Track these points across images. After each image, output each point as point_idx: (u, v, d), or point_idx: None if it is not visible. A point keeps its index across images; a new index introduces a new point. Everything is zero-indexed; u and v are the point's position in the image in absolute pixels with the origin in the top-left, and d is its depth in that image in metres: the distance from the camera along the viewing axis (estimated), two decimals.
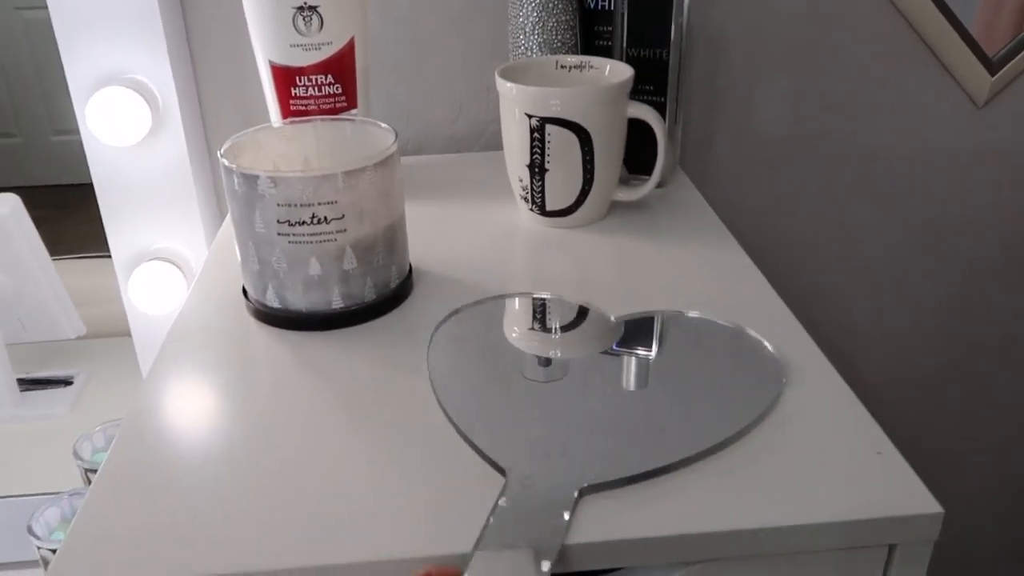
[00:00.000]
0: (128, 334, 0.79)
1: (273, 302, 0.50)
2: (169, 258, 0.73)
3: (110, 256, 0.75)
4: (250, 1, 0.62)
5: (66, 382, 0.99)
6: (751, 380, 0.44)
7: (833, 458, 0.39)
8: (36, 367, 0.99)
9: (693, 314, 0.49)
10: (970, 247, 0.90)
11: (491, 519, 0.34)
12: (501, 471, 0.37)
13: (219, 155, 0.49)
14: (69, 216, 0.93)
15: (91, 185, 0.72)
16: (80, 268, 0.92)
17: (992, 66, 0.81)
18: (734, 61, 0.79)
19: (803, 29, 0.78)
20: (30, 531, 0.73)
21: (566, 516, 0.35)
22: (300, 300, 0.49)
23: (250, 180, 0.46)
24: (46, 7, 0.66)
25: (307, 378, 0.46)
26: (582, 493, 0.36)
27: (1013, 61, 0.81)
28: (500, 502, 0.35)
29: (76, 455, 0.78)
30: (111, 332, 0.88)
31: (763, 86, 0.80)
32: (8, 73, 0.88)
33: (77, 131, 0.70)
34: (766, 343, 0.46)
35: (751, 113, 0.81)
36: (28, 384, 0.97)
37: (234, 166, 0.47)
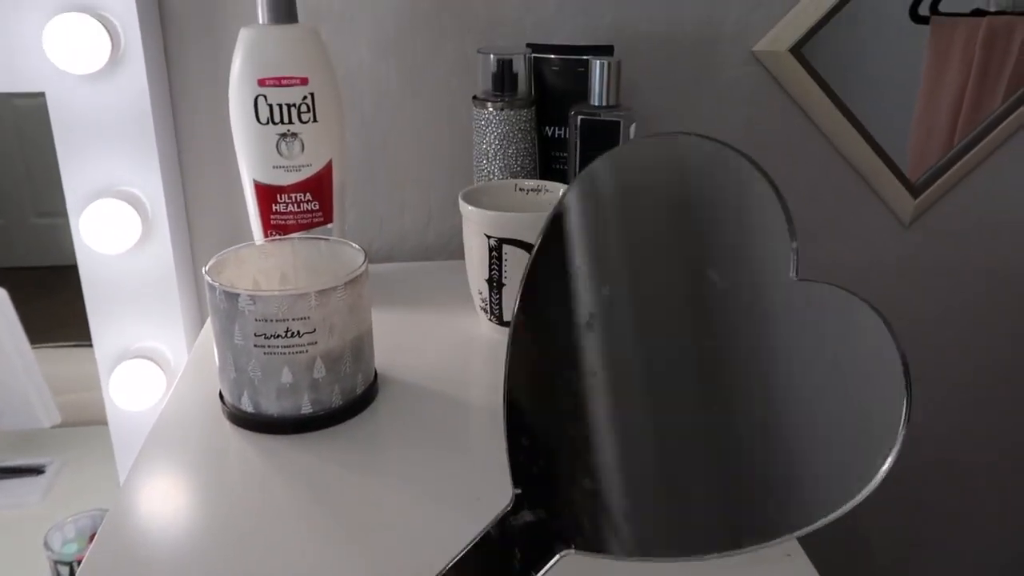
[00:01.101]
0: (101, 423, 0.82)
1: (248, 407, 0.54)
2: (150, 356, 0.78)
3: (86, 345, 0.79)
4: (238, 126, 0.68)
5: (38, 471, 1.00)
6: None
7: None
8: (7, 455, 1.01)
9: None
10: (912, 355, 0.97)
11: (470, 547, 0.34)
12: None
13: (204, 272, 0.54)
14: (47, 297, 0.95)
15: (71, 267, 0.75)
16: (56, 356, 0.95)
17: (915, 190, 0.89)
18: None
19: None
20: None
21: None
22: (272, 405, 0.54)
23: (231, 297, 0.51)
24: (35, 96, 0.71)
25: (278, 479, 0.50)
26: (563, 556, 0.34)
27: (934, 186, 0.89)
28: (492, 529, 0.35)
29: (46, 546, 0.79)
30: (84, 420, 0.91)
31: None
32: (28, 157, 0.90)
33: (59, 213, 0.73)
34: None
35: None
36: (0, 472, 0.99)
37: (217, 284, 0.52)
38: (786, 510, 0.32)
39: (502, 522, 0.35)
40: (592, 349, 0.37)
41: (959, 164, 0.89)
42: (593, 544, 0.34)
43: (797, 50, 0.82)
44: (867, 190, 0.89)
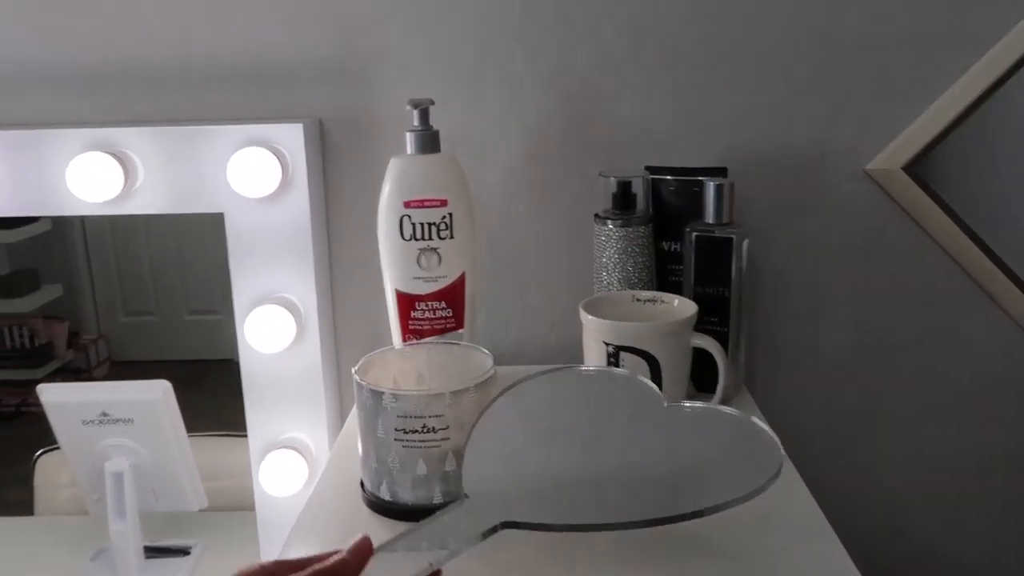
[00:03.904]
0: (243, 508, 0.90)
1: (386, 495, 0.60)
2: (295, 447, 0.85)
3: (233, 435, 0.87)
4: (384, 241, 0.77)
5: (184, 552, 1.08)
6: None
7: None
8: (158, 535, 1.09)
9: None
10: None
11: (424, 524, 0.48)
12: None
13: (353, 372, 0.61)
14: (192, 389, 1.04)
15: (215, 360, 0.84)
16: (204, 444, 1.03)
17: None
18: (799, 293, 0.89)
19: (864, 269, 0.88)
20: None
21: (476, 537, 0.48)
22: (408, 495, 0.59)
23: (377, 395, 0.58)
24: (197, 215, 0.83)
25: None
26: (505, 526, 0.49)
27: None
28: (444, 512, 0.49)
29: None
30: (228, 506, 0.99)
31: (825, 315, 0.89)
32: (154, 262, 1.01)
33: (210, 311, 0.83)
34: None
35: (814, 339, 0.90)
36: (151, 552, 1.07)
37: (365, 383, 0.59)
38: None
39: (451, 508, 0.51)
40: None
41: None
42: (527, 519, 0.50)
43: (911, 168, 0.84)
44: (990, 302, 0.88)
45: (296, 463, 0.85)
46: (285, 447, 0.85)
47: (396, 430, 0.58)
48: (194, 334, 1.01)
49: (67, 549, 1.04)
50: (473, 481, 0.53)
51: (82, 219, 0.93)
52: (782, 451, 0.52)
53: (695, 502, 0.50)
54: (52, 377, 1.02)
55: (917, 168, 0.85)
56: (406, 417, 0.58)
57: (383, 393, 0.58)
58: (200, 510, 1.02)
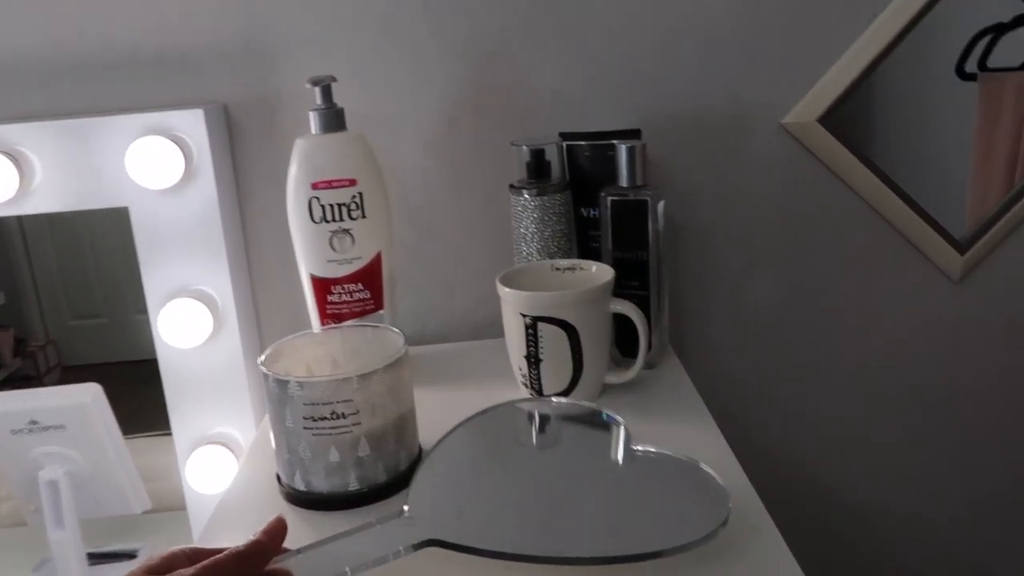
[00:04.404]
0: (184, 508, 0.88)
1: (300, 486, 0.59)
2: (223, 442, 0.83)
3: (166, 434, 0.85)
4: (295, 225, 0.75)
5: (130, 556, 1.06)
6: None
7: None
8: (102, 541, 1.07)
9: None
10: (959, 414, 0.95)
11: (354, 534, 0.48)
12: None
13: (258, 362, 0.59)
14: (131, 390, 1.03)
15: (140, 362, 0.82)
16: (141, 445, 1.01)
17: (961, 247, 0.89)
18: (723, 252, 0.89)
19: (787, 225, 0.88)
20: None
21: (400, 549, 0.48)
22: (323, 483, 0.58)
23: (282, 384, 0.56)
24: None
25: None
26: (433, 543, 0.48)
27: (981, 241, 0.89)
28: (377, 521, 0.49)
29: None
30: (170, 507, 0.97)
31: (752, 274, 0.89)
32: (102, 259, 0.97)
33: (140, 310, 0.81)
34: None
35: (742, 297, 0.90)
36: (95, 558, 1.05)
37: (270, 372, 0.57)
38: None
39: (385, 518, 0.51)
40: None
41: (1007, 217, 0.88)
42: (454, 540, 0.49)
43: (826, 119, 0.84)
44: (912, 249, 0.89)
45: (225, 459, 0.83)
46: (212, 443, 0.83)
47: (304, 418, 0.56)
48: (146, 333, 0.99)
49: (10, 562, 1.02)
50: (415, 500, 0.52)
51: (19, 219, 0.89)
52: (730, 503, 0.50)
53: (636, 545, 0.47)
54: (1, 386, 0.99)
55: (832, 120, 0.84)
56: (313, 404, 0.56)
57: (288, 381, 0.56)
58: (145, 512, 1.01)
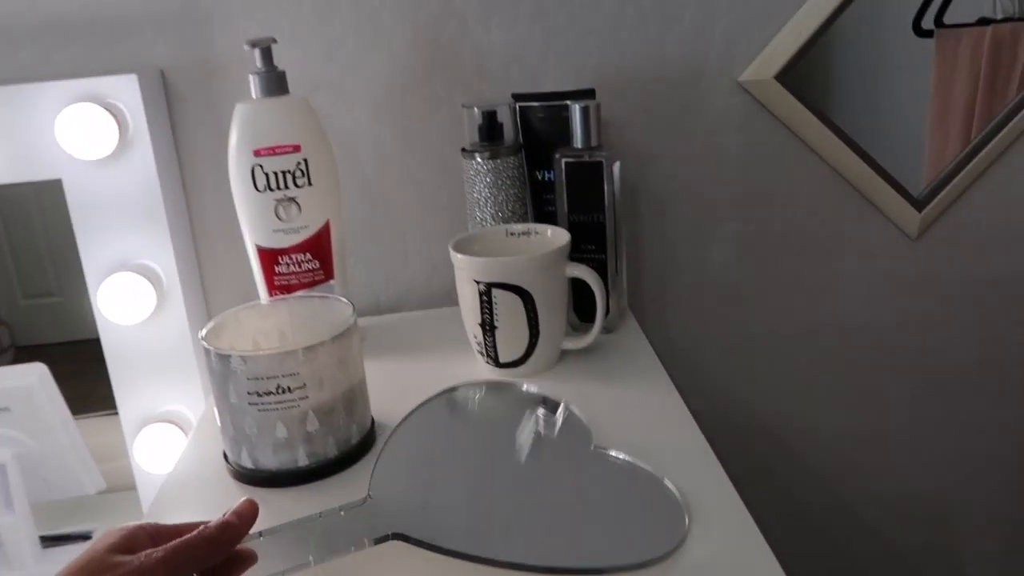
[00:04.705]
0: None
1: (248, 463, 0.57)
2: (172, 420, 0.81)
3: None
4: (238, 194, 0.72)
5: (85, 537, 1.04)
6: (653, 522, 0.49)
7: None
8: (56, 523, 1.04)
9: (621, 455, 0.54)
10: (917, 369, 0.95)
11: (320, 515, 0.48)
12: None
13: (200, 336, 0.57)
14: (81, 370, 1.00)
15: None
16: (97, 424, 0.99)
17: (919, 203, 0.88)
18: (682, 213, 0.87)
19: (745, 184, 0.87)
20: None
21: (365, 542, 0.46)
22: (271, 460, 0.56)
23: (223, 359, 0.54)
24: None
25: None
26: (397, 537, 0.47)
27: (938, 197, 0.88)
28: (342, 510, 0.48)
29: None
30: (127, 486, 0.95)
31: (710, 234, 0.88)
32: (51, 236, 0.96)
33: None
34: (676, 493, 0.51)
35: (701, 258, 0.89)
36: (49, 541, 1.02)
37: (211, 347, 0.55)
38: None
39: (350, 505, 0.49)
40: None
41: (963, 173, 0.88)
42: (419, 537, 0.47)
43: (783, 76, 0.83)
44: (870, 207, 0.88)
45: (175, 437, 0.80)
46: (161, 421, 0.81)
47: (249, 394, 0.54)
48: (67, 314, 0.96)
49: None
50: (379, 485, 0.51)
51: None
52: (687, 522, 0.48)
53: (591, 559, 0.46)
54: None
55: (790, 77, 0.83)
56: (258, 379, 0.54)
57: (230, 356, 0.54)
58: (99, 492, 0.98)
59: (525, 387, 0.63)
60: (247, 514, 0.44)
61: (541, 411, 0.59)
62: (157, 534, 0.42)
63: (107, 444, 0.92)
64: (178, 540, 0.41)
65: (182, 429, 0.81)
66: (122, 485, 0.93)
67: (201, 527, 0.42)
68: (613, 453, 0.54)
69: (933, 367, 0.95)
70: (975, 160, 0.88)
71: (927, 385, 0.96)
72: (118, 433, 0.86)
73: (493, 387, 0.65)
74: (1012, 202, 0.90)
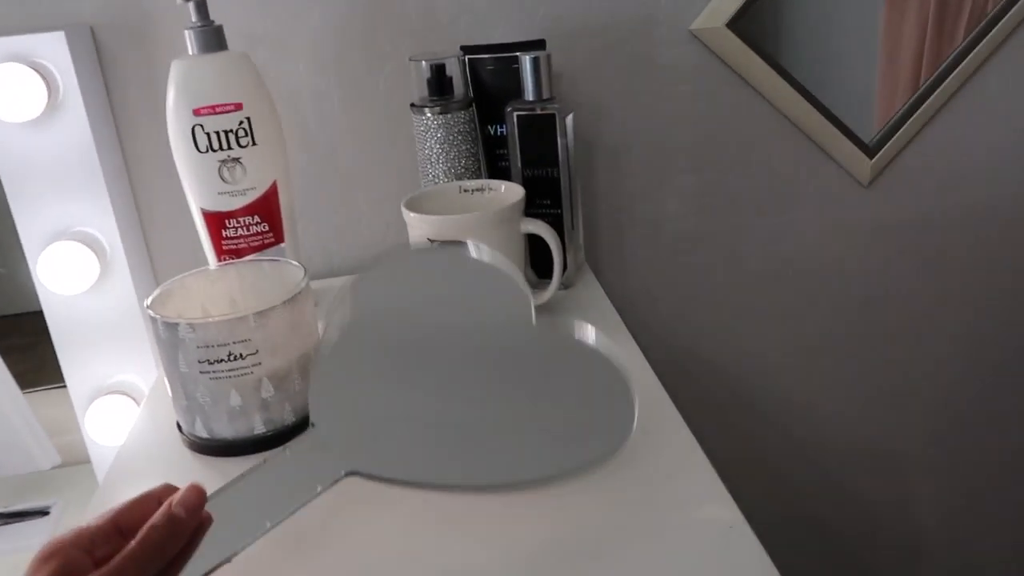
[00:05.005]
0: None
1: (202, 432, 0.55)
2: (124, 391, 0.79)
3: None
4: (180, 156, 0.69)
5: (43, 512, 1.01)
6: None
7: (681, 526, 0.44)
8: (12, 500, 1.02)
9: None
10: (871, 316, 0.97)
11: (267, 459, 0.44)
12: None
13: (145, 305, 0.55)
14: (36, 344, 0.97)
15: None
16: (50, 398, 0.96)
17: (870, 150, 0.89)
18: (637, 166, 0.87)
19: (698, 134, 0.86)
20: None
21: (319, 488, 0.44)
22: (226, 429, 0.55)
23: (171, 327, 0.52)
24: None
25: None
26: (349, 474, 0.45)
27: (889, 143, 0.89)
28: (287, 449, 0.45)
29: None
30: (81, 460, 0.92)
31: (664, 186, 0.88)
32: None
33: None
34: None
35: (656, 211, 0.89)
36: (5, 518, 1.00)
37: (158, 316, 0.53)
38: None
39: (296, 444, 0.45)
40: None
41: (913, 118, 0.89)
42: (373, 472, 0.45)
43: (734, 24, 0.82)
44: (822, 155, 0.89)
45: (128, 409, 0.78)
46: (113, 392, 0.79)
47: (200, 362, 0.53)
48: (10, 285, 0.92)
49: None
50: (320, 413, 0.46)
51: None
52: (636, 408, 0.45)
53: (547, 465, 0.45)
54: None
55: (740, 24, 0.82)
56: (208, 347, 0.52)
57: (178, 324, 0.52)
58: (54, 467, 0.96)
59: (472, 247, 0.48)
60: (193, 503, 0.40)
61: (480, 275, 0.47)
62: (92, 538, 0.37)
63: (59, 418, 0.89)
64: (120, 557, 0.36)
65: (134, 400, 0.79)
66: (76, 459, 0.91)
67: (146, 529, 0.38)
68: (552, 331, 0.48)
69: (887, 311, 0.97)
70: (924, 105, 0.88)
71: (880, 329, 0.98)
72: (70, 406, 0.84)
73: (427, 256, 0.52)
74: (961, 146, 0.91)
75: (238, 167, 0.69)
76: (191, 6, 0.66)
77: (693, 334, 0.94)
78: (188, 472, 0.54)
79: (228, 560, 0.41)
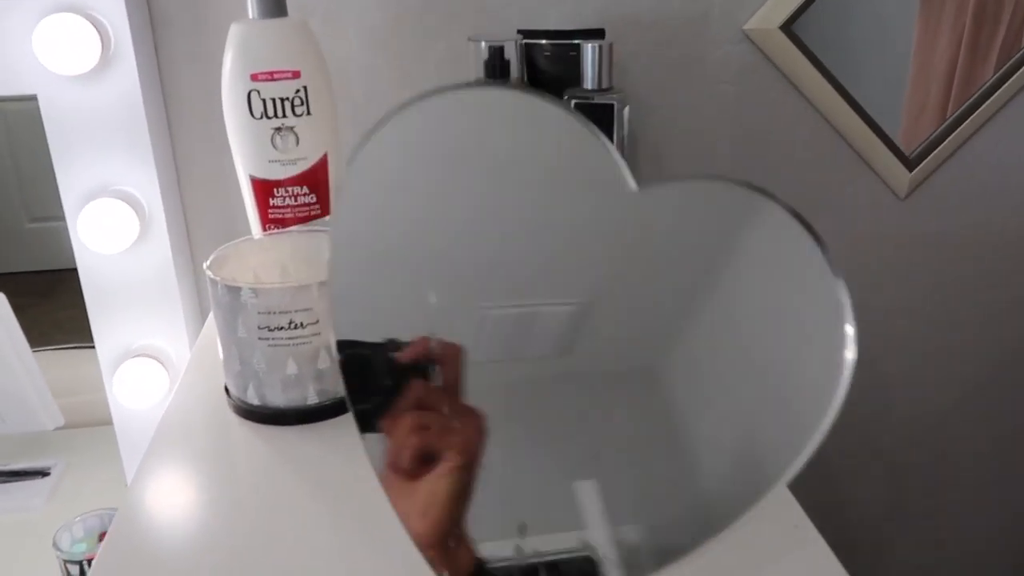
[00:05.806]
0: (105, 423, 0.83)
1: (253, 399, 0.55)
2: (152, 354, 0.78)
3: (87, 347, 0.79)
4: (232, 121, 0.68)
5: (43, 473, 1.00)
6: None
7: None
8: (12, 458, 1.01)
9: None
10: (902, 329, 0.98)
11: None
12: None
13: (205, 268, 0.54)
14: (46, 303, 0.96)
15: (67, 271, 0.76)
16: (58, 358, 0.95)
17: (910, 163, 0.89)
18: (678, 163, 0.87)
19: (741, 134, 0.86)
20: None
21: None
22: (279, 397, 0.54)
23: (233, 291, 0.52)
24: (26, 99, 0.71)
25: (286, 471, 0.50)
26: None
27: (929, 158, 0.89)
28: None
29: (55, 546, 0.80)
30: (88, 422, 0.91)
31: None
32: (19, 160, 0.90)
33: (54, 217, 0.74)
34: None
35: None
36: (4, 476, 0.99)
37: (219, 279, 0.52)
38: None
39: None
40: None
41: (953, 135, 0.89)
42: None
43: (788, 27, 0.82)
44: (862, 164, 0.89)
45: (155, 372, 0.78)
46: (141, 355, 0.78)
47: (259, 328, 0.52)
48: (39, 243, 0.91)
49: None
50: None
51: None
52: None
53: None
54: None
55: (794, 27, 0.82)
56: (269, 313, 0.52)
57: (241, 289, 0.52)
58: (57, 428, 0.95)
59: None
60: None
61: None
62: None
63: (78, 377, 0.88)
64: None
65: (162, 363, 0.78)
66: (91, 420, 0.89)
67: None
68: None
69: (915, 326, 0.97)
70: (967, 122, 0.89)
71: (910, 343, 0.98)
72: (90, 366, 0.83)
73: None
74: (1000, 165, 0.91)
75: (291, 136, 0.68)
76: None
77: None
78: (235, 438, 0.54)
79: None
